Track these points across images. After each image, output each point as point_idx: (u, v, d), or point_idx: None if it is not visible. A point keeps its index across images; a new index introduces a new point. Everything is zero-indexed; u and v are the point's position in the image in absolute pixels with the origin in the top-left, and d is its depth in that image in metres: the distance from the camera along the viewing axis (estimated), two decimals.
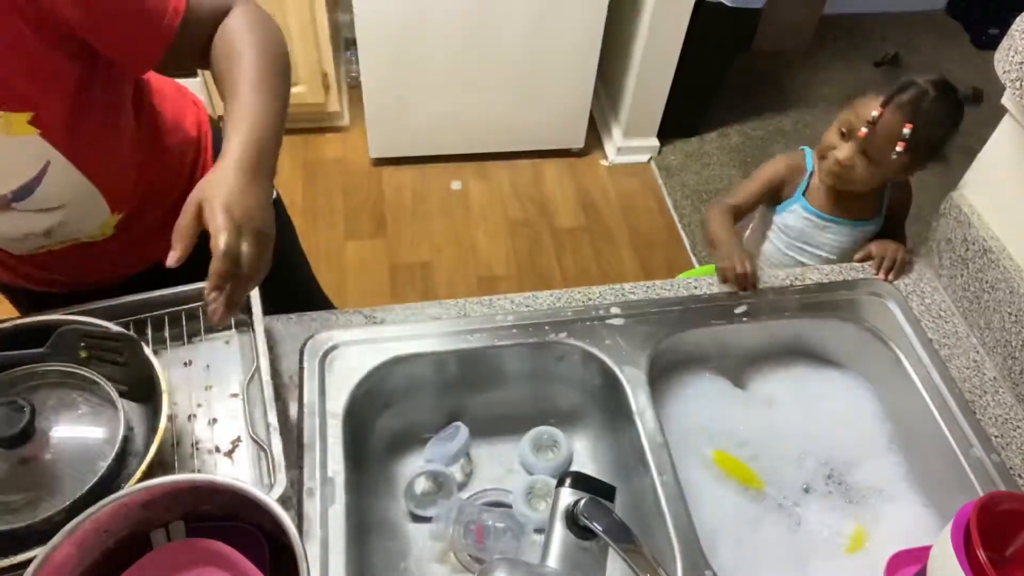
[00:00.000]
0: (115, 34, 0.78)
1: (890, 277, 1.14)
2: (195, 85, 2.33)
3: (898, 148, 1.17)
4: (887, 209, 1.37)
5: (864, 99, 1.21)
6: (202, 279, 0.71)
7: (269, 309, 0.97)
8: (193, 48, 0.84)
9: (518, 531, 0.94)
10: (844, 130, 1.23)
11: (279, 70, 0.83)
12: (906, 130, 1.15)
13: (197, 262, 0.72)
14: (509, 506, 0.99)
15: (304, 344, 0.98)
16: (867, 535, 0.98)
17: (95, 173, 0.86)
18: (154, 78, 0.99)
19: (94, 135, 0.84)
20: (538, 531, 0.95)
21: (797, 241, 1.39)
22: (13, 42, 0.72)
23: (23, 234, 0.89)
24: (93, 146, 0.85)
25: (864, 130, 1.17)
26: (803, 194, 1.37)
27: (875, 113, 1.16)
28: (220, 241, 0.69)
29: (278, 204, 1.20)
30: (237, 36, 0.83)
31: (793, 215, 1.38)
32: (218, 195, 0.71)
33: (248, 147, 0.75)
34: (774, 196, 1.42)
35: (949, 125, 1.19)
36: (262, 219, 0.73)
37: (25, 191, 0.82)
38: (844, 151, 1.22)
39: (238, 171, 0.73)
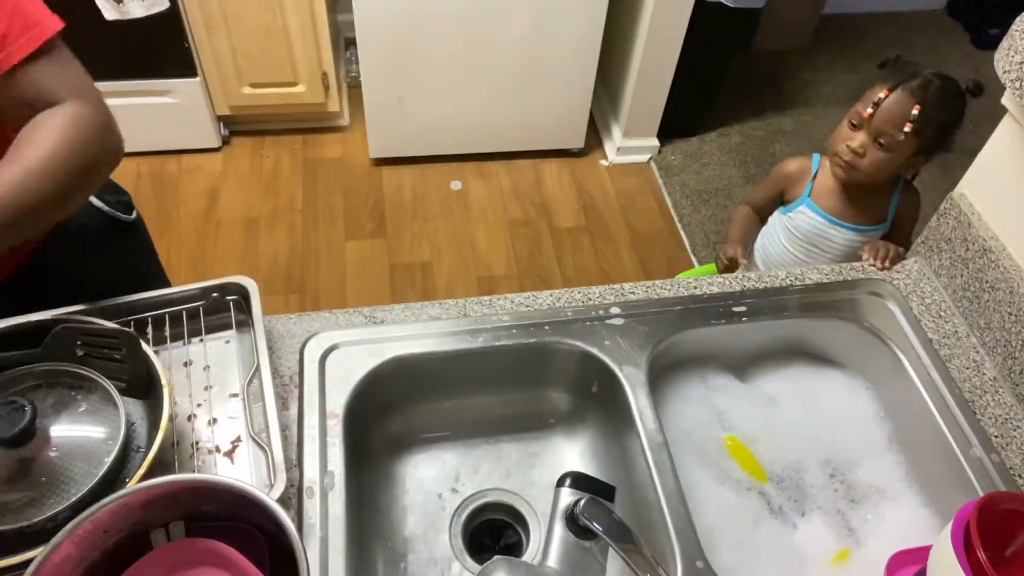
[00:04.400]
0: None
1: (885, 265, 1.15)
2: (195, 84, 2.33)
3: (906, 129, 1.21)
4: (894, 216, 1.38)
5: (872, 90, 1.25)
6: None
7: None
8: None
9: None
10: (854, 121, 1.27)
11: (61, 173, 0.79)
12: (914, 111, 1.20)
13: None
14: (510, 506, 0.99)
15: (304, 344, 0.98)
16: (855, 548, 0.98)
17: None
18: None
19: None
20: None
21: (804, 243, 1.40)
22: None
23: None
24: None
25: (870, 110, 1.20)
26: (809, 195, 1.38)
27: (881, 95, 1.21)
28: None
29: (138, 226, 1.17)
30: (42, 131, 0.78)
31: (801, 216, 1.39)
32: None
33: None
34: (783, 196, 1.45)
35: (954, 111, 1.23)
36: None
37: None
38: (856, 139, 1.27)
39: None
